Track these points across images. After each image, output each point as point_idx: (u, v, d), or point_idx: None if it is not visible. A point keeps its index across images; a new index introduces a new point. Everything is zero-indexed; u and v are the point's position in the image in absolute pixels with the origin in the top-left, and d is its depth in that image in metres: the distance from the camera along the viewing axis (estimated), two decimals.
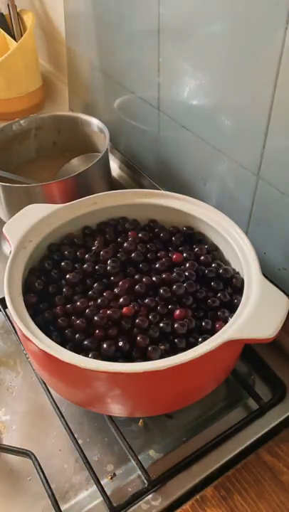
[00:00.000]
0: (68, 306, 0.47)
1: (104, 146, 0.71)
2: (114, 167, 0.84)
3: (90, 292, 0.48)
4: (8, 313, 0.58)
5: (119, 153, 0.84)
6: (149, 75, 0.65)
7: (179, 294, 0.47)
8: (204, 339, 0.42)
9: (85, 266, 0.50)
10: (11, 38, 0.96)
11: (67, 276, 0.49)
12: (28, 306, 0.45)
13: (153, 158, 0.74)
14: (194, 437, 0.49)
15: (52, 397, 0.51)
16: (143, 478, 0.45)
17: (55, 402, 0.51)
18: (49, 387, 0.52)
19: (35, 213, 0.53)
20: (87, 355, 0.42)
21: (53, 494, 0.44)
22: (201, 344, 0.41)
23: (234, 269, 0.50)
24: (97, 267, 0.50)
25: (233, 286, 0.49)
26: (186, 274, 0.49)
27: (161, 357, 0.42)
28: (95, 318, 0.44)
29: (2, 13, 1.00)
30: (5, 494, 0.47)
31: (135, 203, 0.57)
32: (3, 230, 0.51)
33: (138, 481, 0.47)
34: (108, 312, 0.45)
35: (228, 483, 0.45)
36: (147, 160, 0.76)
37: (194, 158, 0.63)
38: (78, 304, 0.46)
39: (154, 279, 0.48)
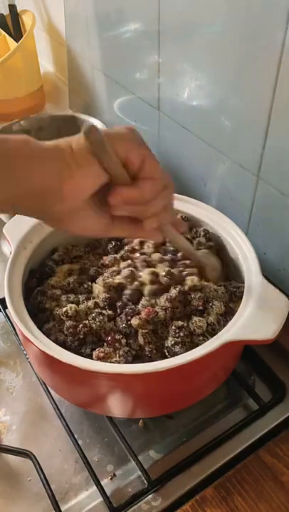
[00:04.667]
0: None
1: None
2: None
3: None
4: (8, 313, 0.59)
5: None
6: (149, 75, 0.65)
7: None
8: (204, 340, 0.42)
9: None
10: (11, 39, 0.96)
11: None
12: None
13: None
14: (194, 438, 0.49)
15: (52, 398, 0.51)
16: (143, 478, 0.45)
17: (55, 403, 0.51)
18: (49, 388, 0.52)
19: None
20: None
21: (53, 495, 0.44)
22: (201, 346, 0.41)
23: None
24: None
25: None
26: None
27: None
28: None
29: (2, 14, 1.00)
30: (5, 494, 0.47)
31: None
32: (4, 230, 0.51)
33: (138, 481, 0.47)
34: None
35: (228, 484, 0.45)
36: None
37: (194, 158, 0.63)
38: None
39: None
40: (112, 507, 0.43)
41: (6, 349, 0.59)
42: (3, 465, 0.49)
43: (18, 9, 0.99)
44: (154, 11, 0.58)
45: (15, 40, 0.96)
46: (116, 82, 0.75)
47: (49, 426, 0.51)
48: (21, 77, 0.96)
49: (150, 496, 0.45)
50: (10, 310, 0.43)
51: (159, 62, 0.61)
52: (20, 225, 0.51)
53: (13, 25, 0.99)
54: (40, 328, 0.43)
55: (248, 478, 0.45)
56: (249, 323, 0.41)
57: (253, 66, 0.47)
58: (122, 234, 0.42)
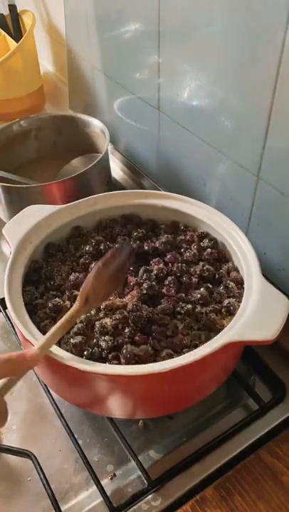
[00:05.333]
0: None
1: (104, 146, 0.71)
2: (115, 168, 0.84)
3: None
4: (8, 313, 0.59)
5: (120, 154, 0.84)
6: (149, 75, 0.65)
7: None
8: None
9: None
10: (11, 39, 0.96)
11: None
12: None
13: (153, 158, 0.74)
14: (194, 438, 0.49)
15: (52, 398, 0.51)
16: (143, 478, 0.45)
17: (55, 403, 0.51)
18: (49, 388, 0.52)
19: (35, 214, 0.53)
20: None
21: (53, 495, 0.44)
22: (202, 346, 0.41)
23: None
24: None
25: None
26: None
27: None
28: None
29: (2, 14, 1.00)
30: (5, 494, 0.47)
31: (135, 204, 0.57)
32: (3, 231, 0.51)
33: (138, 481, 0.47)
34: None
35: (228, 484, 0.45)
36: (147, 160, 0.76)
37: (194, 158, 0.63)
38: None
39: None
40: (112, 507, 0.43)
41: (6, 349, 0.59)
42: (3, 465, 0.49)
43: (18, 9, 0.99)
44: (154, 11, 0.58)
45: (15, 40, 0.96)
46: (116, 82, 0.75)
47: (49, 426, 0.51)
48: (21, 77, 0.96)
49: (150, 495, 0.45)
50: (10, 310, 0.43)
51: (159, 62, 0.61)
52: (19, 226, 0.51)
53: (13, 25, 0.99)
54: (38, 326, 0.43)
55: (248, 478, 0.45)
56: (249, 323, 0.41)
57: (253, 66, 0.47)
58: None
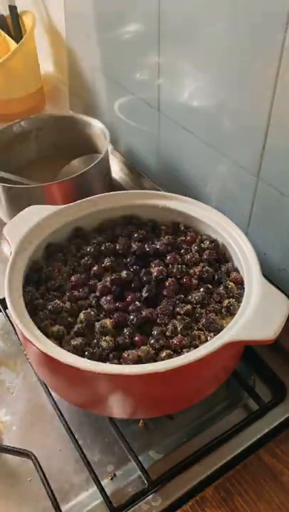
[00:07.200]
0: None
1: (104, 147, 0.71)
2: (115, 168, 0.84)
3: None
4: (8, 313, 0.59)
5: (120, 155, 0.84)
6: (150, 76, 0.65)
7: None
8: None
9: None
10: (11, 39, 0.96)
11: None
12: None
13: (153, 159, 0.74)
14: (194, 438, 0.49)
15: (52, 398, 0.51)
16: (143, 478, 0.45)
17: (55, 403, 0.51)
18: (49, 388, 0.52)
19: (35, 214, 0.53)
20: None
21: (53, 495, 0.44)
22: (201, 346, 0.41)
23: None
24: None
25: None
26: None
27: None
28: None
29: (3, 15, 1.00)
30: (5, 495, 0.47)
31: (136, 204, 0.57)
32: (4, 231, 0.51)
33: (138, 481, 0.47)
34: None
35: (228, 484, 0.45)
36: (148, 161, 0.76)
37: (194, 159, 0.63)
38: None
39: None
40: (112, 507, 0.43)
41: (6, 349, 0.59)
42: (3, 465, 0.49)
43: (19, 10, 0.99)
44: (154, 12, 0.58)
45: (15, 41, 0.96)
46: (116, 83, 0.75)
47: (49, 426, 0.51)
48: (21, 77, 0.96)
49: (150, 496, 0.45)
50: (10, 310, 0.43)
51: (159, 62, 0.62)
52: (20, 226, 0.51)
53: (13, 26, 0.99)
54: (38, 326, 0.43)
55: (248, 478, 0.45)
56: (249, 323, 0.41)
57: (253, 66, 0.47)
58: None
